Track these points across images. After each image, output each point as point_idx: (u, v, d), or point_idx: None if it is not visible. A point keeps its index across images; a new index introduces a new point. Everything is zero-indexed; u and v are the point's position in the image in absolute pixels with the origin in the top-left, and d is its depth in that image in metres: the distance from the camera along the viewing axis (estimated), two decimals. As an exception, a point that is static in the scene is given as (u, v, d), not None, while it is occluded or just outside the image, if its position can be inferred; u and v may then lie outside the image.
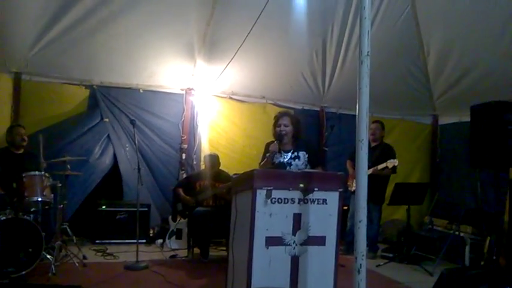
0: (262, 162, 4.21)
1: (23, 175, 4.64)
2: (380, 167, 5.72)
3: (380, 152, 5.98)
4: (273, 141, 4.16)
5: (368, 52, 2.48)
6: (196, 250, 5.64)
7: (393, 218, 7.25)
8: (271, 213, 3.07)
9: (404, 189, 5.79)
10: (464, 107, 5.00)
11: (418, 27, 6.42)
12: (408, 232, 5.97)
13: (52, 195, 4.90)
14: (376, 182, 5.70)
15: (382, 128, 6.23)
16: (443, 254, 5.50)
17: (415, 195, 5.84)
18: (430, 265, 5.39)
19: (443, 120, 7.97)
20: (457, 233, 5.72)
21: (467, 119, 4.93)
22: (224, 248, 5.77)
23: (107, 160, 6.37)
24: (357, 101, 2.49)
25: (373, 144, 6.09)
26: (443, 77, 6.93)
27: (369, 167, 5.67)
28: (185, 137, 6.89)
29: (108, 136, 6.40)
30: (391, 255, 5.99)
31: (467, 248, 5.53)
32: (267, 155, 4.14)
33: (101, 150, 6.34)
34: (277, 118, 4.27)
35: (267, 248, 3.05)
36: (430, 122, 8.15)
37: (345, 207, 5.95)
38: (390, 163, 5.67)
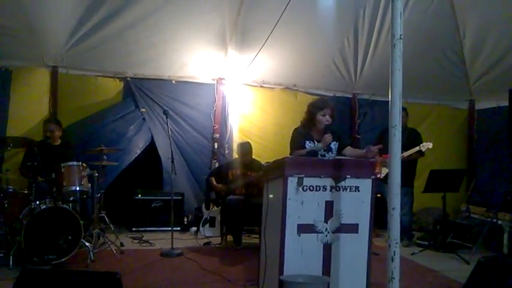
0: (302, 151, 3.78)
1: (61, 165, 4.81)
2: (407, 154, 5.56)
3: (406, 137, 5.84)
4: (300, 128, 3.97)
5: (400, 35, 2.43)
6: (230, 237, 5.72)
7: (428, 205, 7.12)
8: (302, 201, 3.08)
9: (439, 176, 5.66)
10: (502, 91, 4.85)
11: (453, 9, 6.22)
12: (444, 220, 5.84)
13: (89, 184, 5.06)
14: (404, 166, 5.59)
15: (406, 114, 6.03)
16: (481, 242, 5.36)
17: (451, 182, 5.70)
18: (466, 253, 5.27)
19: (481, 105, 7.74)
20: (494, 220, 5.57)
21: (505, 103, 4.78)
22: (257, 236, 5.82)
23: (140, 143, 6.46)
24: (390, 85, 2.45)
25: None
26: (480, 61, 6.72)
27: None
28: (217, 127, 6.94)
29: (143, 120, 6.52)
30: (426, 243, 5.89)
31: (505, 236, 5.39)
32: (315, 145, 3.79)
33: (133, 133, 6.43)
34: (323, 104, 3.88)
35: (299, 236, 3.07)
36: (467, 107, 7.93)
37: (379, 195, 5.87)
38: (424, 146, 5.56)
